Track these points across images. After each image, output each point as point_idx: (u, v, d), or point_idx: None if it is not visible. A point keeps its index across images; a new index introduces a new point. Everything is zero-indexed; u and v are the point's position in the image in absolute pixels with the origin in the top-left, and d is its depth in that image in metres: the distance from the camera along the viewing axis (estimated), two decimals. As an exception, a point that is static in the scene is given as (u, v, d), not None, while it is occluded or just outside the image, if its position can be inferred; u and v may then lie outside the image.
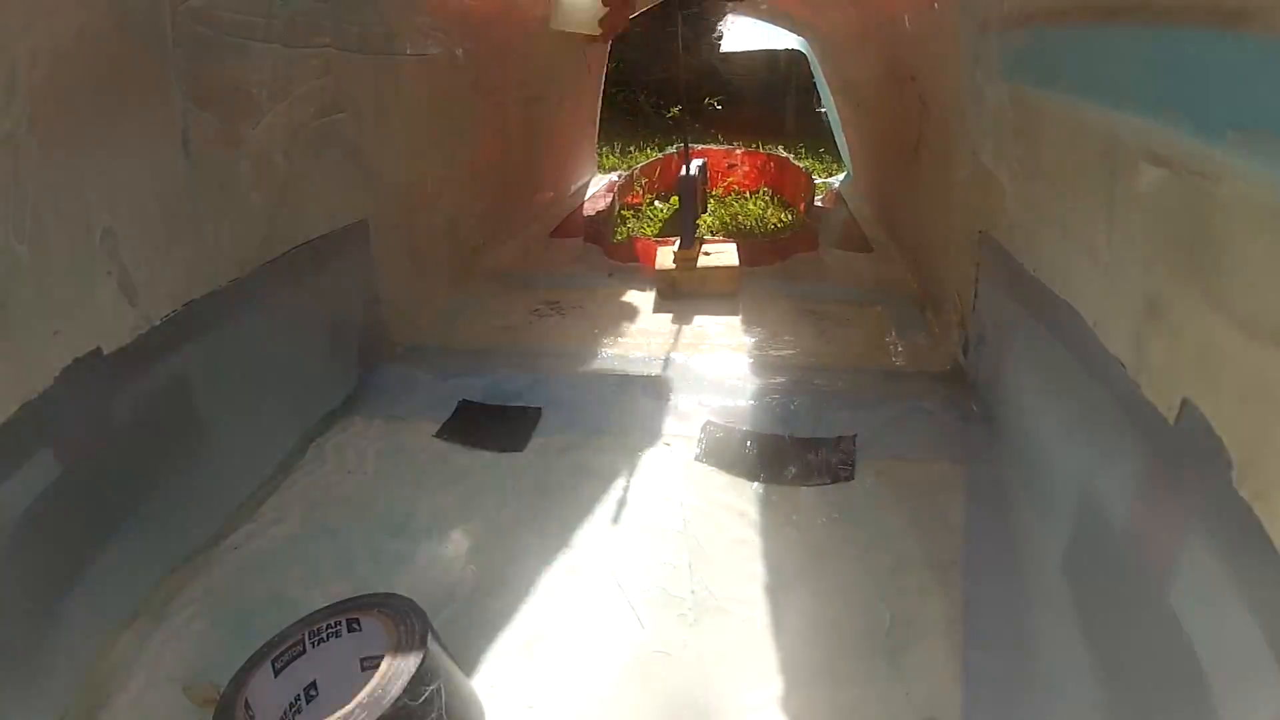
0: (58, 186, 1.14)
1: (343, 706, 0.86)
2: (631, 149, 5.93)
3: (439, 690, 0.94)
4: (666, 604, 1.31)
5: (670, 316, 2.45)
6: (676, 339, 2.28)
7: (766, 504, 1.55)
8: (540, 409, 1.88)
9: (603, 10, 2.36)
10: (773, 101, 7.18)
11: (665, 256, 2.72)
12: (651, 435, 1.78)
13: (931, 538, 1.42)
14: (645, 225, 4.04)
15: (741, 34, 5.42)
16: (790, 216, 4.09)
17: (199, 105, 1.42)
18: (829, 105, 4.48)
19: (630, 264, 2.98)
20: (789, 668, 1.18)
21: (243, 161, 1.57)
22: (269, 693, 0.96)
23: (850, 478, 1.60)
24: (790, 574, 1.37)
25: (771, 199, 4.48)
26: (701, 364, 2.09)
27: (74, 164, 1.17)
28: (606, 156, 5.57)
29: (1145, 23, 0.95)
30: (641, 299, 2.62)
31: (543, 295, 2.66)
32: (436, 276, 2.58)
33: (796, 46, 4.70)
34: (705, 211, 3.91)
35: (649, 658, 1.21)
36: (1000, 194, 1.59)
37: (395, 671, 0.90)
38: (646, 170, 4.65)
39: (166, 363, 1.39)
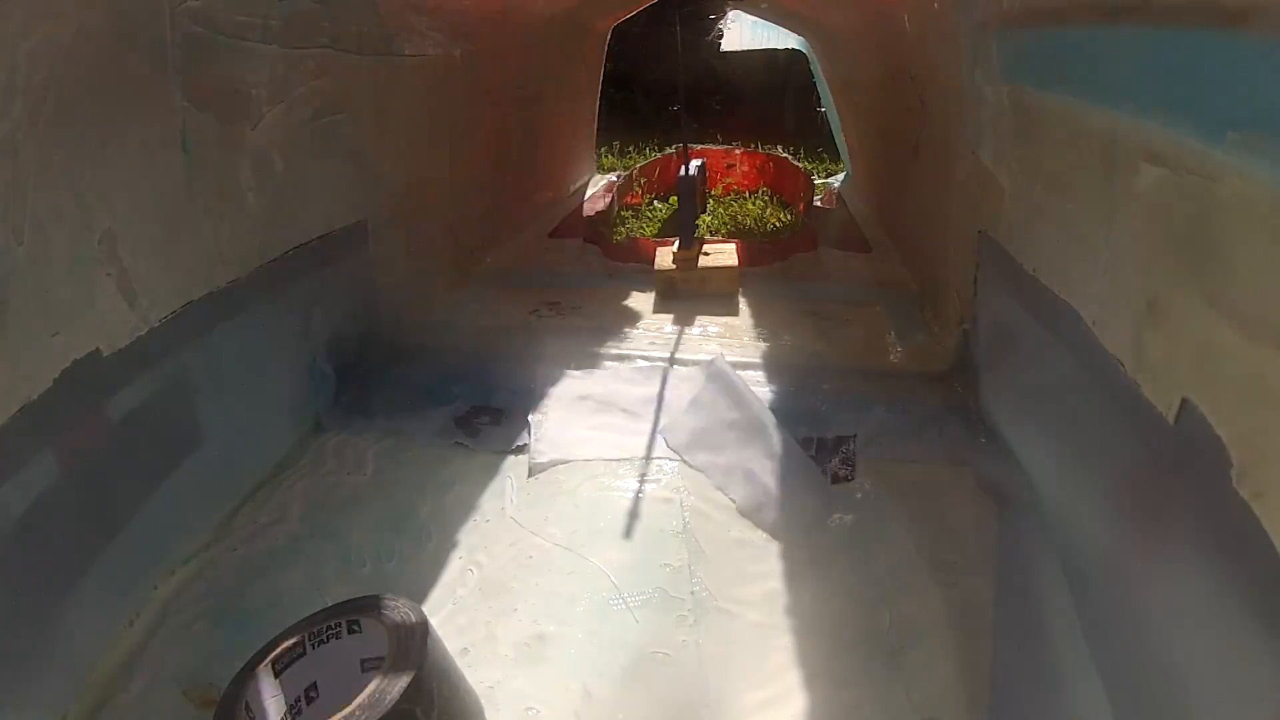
0: (57, 187, 1.14)
1: (343, 708, 0.86)
2: (630, 149, 5.93)
3: (439, 691, 0.94)
4: (666, 605, 1.31)
5: (670, 317, 2.45)
6: (676, 339, 2.28)
7: (766, 504, 1.55)
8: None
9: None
10: (772, 101, 7.17)
11: (665, 257, 2.72)
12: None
13: (931, 538, 1.42)
14: (645, 225, 4.04)
15: (740, 34, 5.42)
16: (789, 216, 4.09)
17: (197, 106, 1.41)
18: (829, 105, 4.48)
19: (630, 264, 2.98)
20: (789, 668, 1.18)
21: (241, 162, 1.57)
22: (269, 694, 0.96)
23: (850, 478, 1.60)
24: (790, 574, 1.37)
25: (770, 199, 4.48)
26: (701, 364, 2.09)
27: (73, 165, 1.17)
28: (605, 156, 5.56)
29: (1145, 23, 0.95)
30: (641, 299, 2.62)
31: (542, 296, 2.65)
32: (436, 277, 2.58)
33: (796, 46, 4.70)
34: (704, 211, 3.91)
35: (649, 658, 1.21)
36: (1000, 194, 1.59)
37: (395, 673, 0.90)
38: (645, 170, 4.65)
39: (165, 364, 1.39)
